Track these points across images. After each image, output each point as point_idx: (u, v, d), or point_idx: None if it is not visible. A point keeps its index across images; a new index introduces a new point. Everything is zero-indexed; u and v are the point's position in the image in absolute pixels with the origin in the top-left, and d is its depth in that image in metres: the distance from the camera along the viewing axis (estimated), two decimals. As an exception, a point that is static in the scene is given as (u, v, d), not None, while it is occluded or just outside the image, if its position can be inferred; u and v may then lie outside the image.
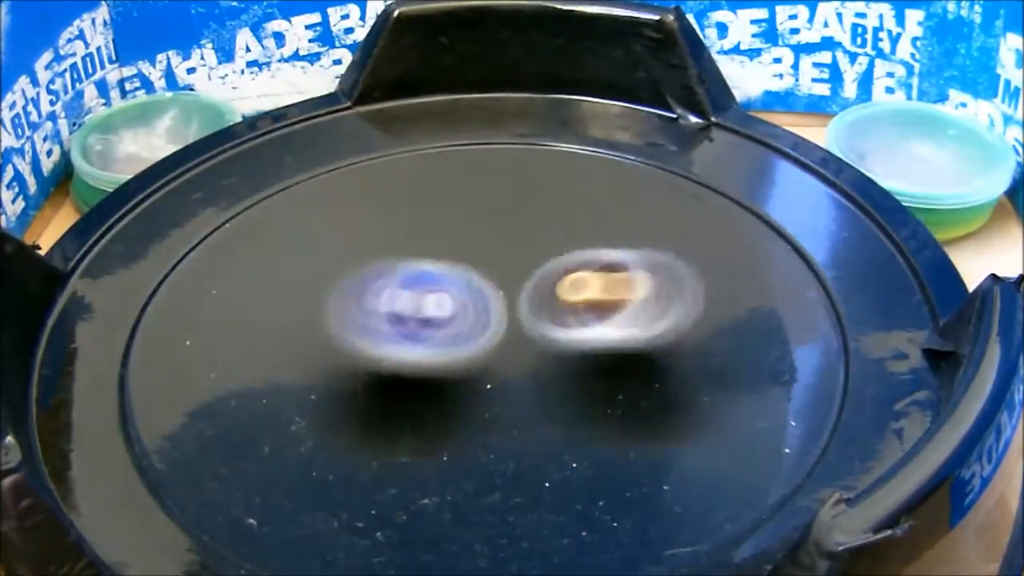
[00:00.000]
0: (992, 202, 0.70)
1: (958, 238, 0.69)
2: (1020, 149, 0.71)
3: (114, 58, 0.80)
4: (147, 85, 0.81)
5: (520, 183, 0.70)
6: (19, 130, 0.71)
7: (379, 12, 0.78)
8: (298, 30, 0.80)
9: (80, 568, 0.44)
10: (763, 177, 0.69)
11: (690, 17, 0.75)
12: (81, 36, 0.77)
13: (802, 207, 0.67)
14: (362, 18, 0.80)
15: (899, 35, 0.77)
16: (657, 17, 0.73)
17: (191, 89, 0.81)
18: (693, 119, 0.73)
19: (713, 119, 0.73)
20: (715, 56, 0.78)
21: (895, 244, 0.62)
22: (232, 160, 0.71)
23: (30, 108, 0.72)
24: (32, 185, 0.72)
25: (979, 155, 0.72)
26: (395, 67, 0.76)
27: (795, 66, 0.81)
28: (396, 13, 0.75)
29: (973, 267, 0.60)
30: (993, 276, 0.53)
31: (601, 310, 0.54)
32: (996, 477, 0.47)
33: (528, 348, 0.57)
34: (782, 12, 0.79)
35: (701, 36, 0.76)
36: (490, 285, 0.56)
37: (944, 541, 0.45)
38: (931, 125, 0.76)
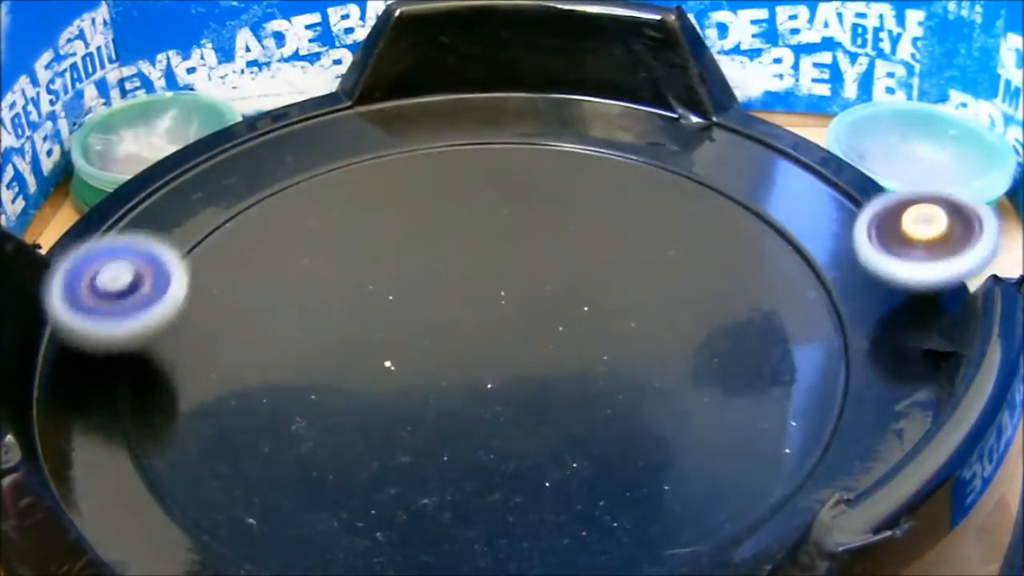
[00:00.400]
0: (992, 202, 0.70)
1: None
2: (1020, 149, 0.71)
3: (114, 58, 0.80)
4: (147, 85, 0.81)
5: (521, 183, 0.70)
6: (19, 130, 0.71)
7: (379, 12, 0.78)
8: (298, 30, 0.80)
9: (80, 567, 0.43)
10: (764, 177, 0.69)
11: (691, 17, 0.75)
12: (81, 36, 0.77)
13: (803, 207, 0.67)
14: (362, 18, 0.80)
15: (899, 35, 0.77)
16: (658, 17, 0.73)
17: (191, 89, 0.81)
18: (694, 119, 0.73)
19: (714, 119, 0.73)
20: (715, 56, 0.78)
21: (896, 244, 0.62)
22: (232, 160, 0.71)
23: (30, 108, 0.72)
24: (32, 185, 0.72)
25: (979, 155, 0.72)
26: (396, 67, 0.76)
27: (795, 66, 0.81)
28: (397, 13, 0.75)
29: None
30: (994, 277, 0.53)
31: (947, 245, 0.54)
32: (997, 477, 0.47)
33: (526, 347, 0.58)
34: (782, 12, 0.79)
35: (702, 36, 0.76)
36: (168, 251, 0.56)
37: (944, 541, 0.45)
38: (932, 125, 0.75)
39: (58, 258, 0.56)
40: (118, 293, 0.54)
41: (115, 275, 0.54)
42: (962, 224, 0.55)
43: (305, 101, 0.77)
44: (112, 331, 0.53)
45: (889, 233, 0.56)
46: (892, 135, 0.75)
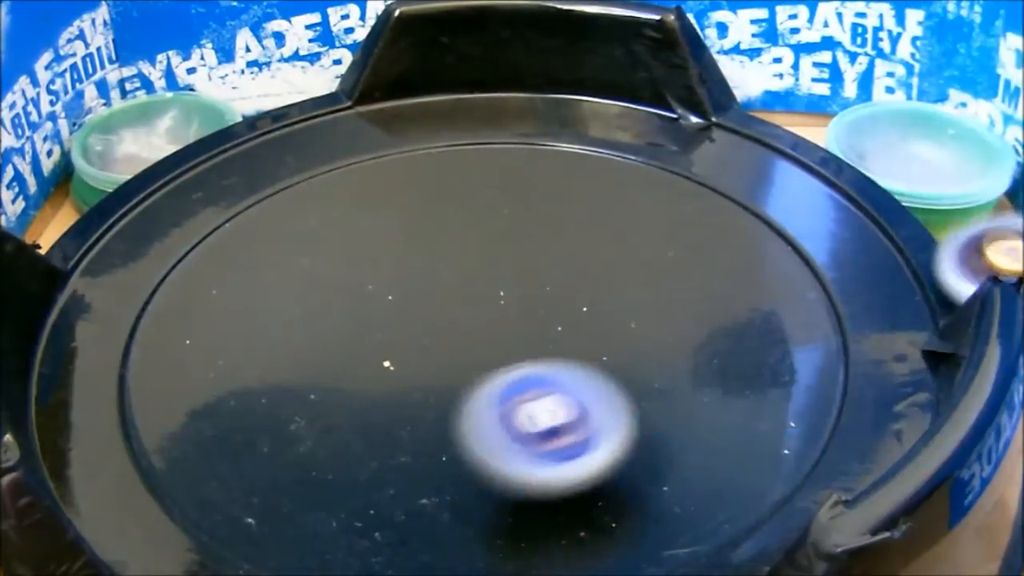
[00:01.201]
0: (992, 202, 0.70)
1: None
2: (1020, 149, 0.71)
3: (114, 58, 0.80)
4: (147, 85, 0.81)
5: (520, 183, 0.70)
6: (19, 130, 0.71)
7: (379, 12, 0.78)
8: (298, 30, 0.80)
9: (78, 567, 0.44)
10: (764, 177, 0.69)
11: (690, 17, 0.75)
12: (81, 36, 0.77)
13: (802, 208, 0.67)
14: (362, 18, 0.80)
15: (899, 35, 0.77)
16: (658, 17, 0.73)
17: (191, 89, 0.81)
18: (694, 119, 0.73)
19: (714, 119, 0.73)
20: (715, 56, 0.78)
21: (895, 245, 0.62)
22: (232, 160, 0.71)
23: (30, 108, 0.72)
24: (32, 185, 0.72)
25: (979, 155, 0.72)
26: (395, 67, 0.76)
27: (795, 66, 0.81)
28: (397, 13, 0.75)
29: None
30: (992, 278, 0.53)
31: None
32: (996, 477, 0.47)
33: (526, 347, 0.57)
34: (782, 12, 0.79)
35: (702, 36, 0.76)
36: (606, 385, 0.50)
37: (944, 541, 0.45)
38: (931, 125, 0.75)
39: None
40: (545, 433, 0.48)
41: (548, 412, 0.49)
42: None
43: (305, 101, 0.77)
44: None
45: (974, 263, 0.57)
46: (892, 135, 0.75)
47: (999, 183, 0.69)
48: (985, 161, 0.71)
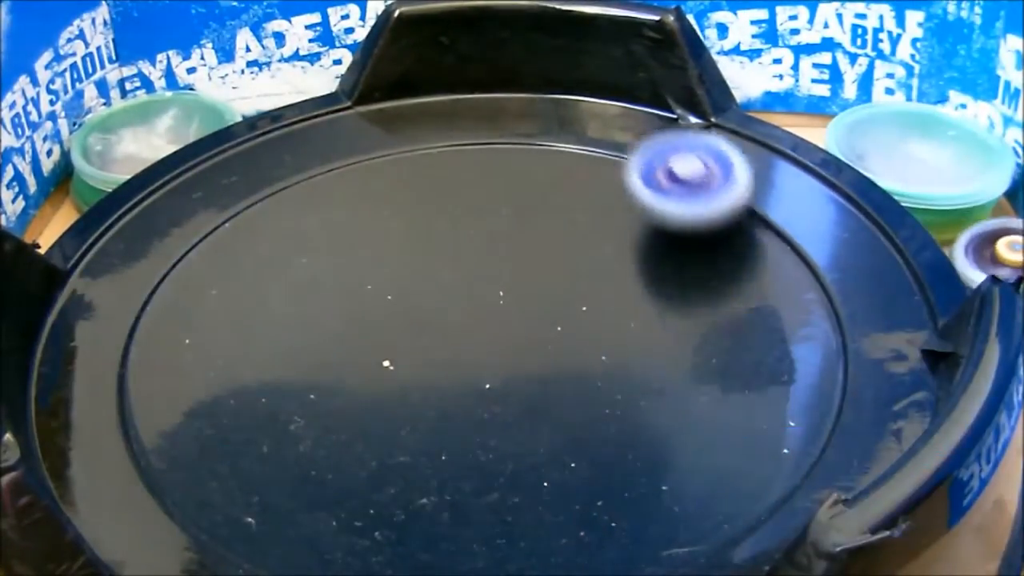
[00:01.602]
0: (991, 203, 0.70)
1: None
2: (1020, 151, 0.71)
3: (114, 58, 0.80)
4: (147, 85, 0.81)
5: (520, 183, 0.70)
6: (19, 130, 0.71)
7: (379, 12, 0.78)
8: (298, 30, 0.80)
9: (78, 566, 0.44)
10: (763, 178, 0.69)
11: (690, 18, 0.75)
12: (81, 36, 0.77)
13: (802, 208, 0.67)
14: (362, 18, 0.80)
15: (899, 36, 0.77)
16: (657, 17, 0.73)
17: (191, 89, 0.81)
18: (693, 120, 0.73)
19: (713, 120, 0.73)
20: (715, 57, 0.78)
21: (895, 245, 0.62)
22: (232, 160, 0.71)
23: (30, 108, 0.72)
24: (32, 185, 0.72)
25: (978, 156, 0.72)
26: (395, 67, 0.76)
27: (795, 67, 0.81)
28: (396, 13, 0.75)
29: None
30: (992, 277, 0.53)
31: None
32: (995, 477, 0.47)
33: (525, 347, 0.58)
34: (782, 13, 0.79)
35: (701, 37, 0.76)
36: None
37: (942, 540, 0.45)
38: (930, 126, 0.76)
39: (637, 148, 0.64)
40: (692, 181, 0.62)
41: (689, 165, 0.62)
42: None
43: (305, 101, 0.77)
44: (688, 212, 0.62)
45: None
46: (891, 136, 0.75)
47: (998, 184, 0.69)
48: (984, 162, 0.71)
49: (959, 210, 0.68)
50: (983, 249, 0.64)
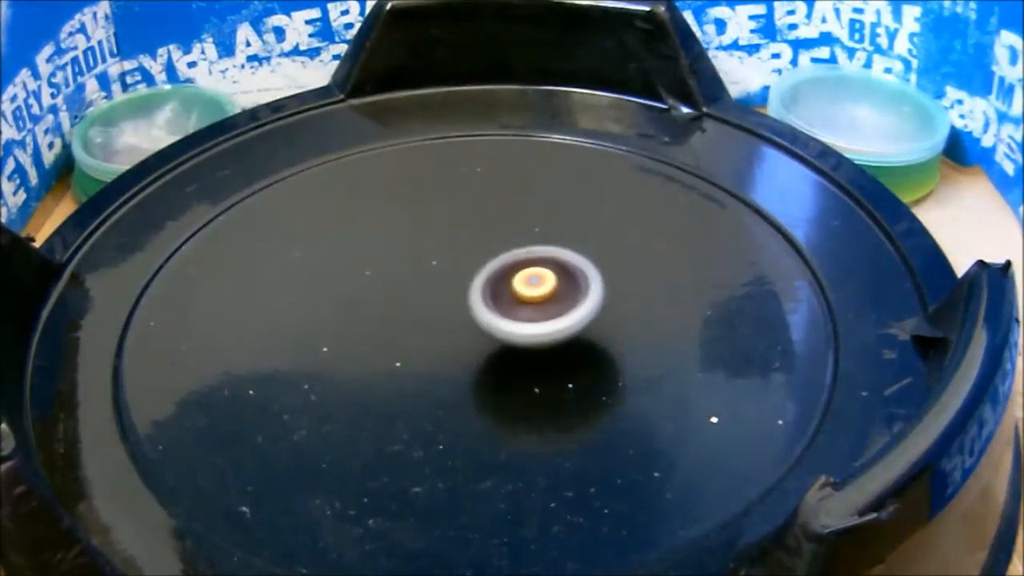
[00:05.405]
0: (929, 161, 0.72)
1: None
2: (1016, 147, 0.71)
3: (115, 52, 0.80)
4: (148, 79, 0.82)
5: (512, 174, 0.70)
6: (20, 122, 0.71)
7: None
8: (298, 25, 0.81)
9: (73, 555, 0.44)
10: (754, 167, 0.69)
11: (687, 13, 0.76)
12: (82, 30, 0.77)
13: (793, 196, 0.67)
14: (362, 13, 0.80)
15: (896, 31, 0.77)
16: (648, 8, 0.73)
17: (192, 83, 0.82)
18: (684, 110, 0.73)
19: (704, 109, 0.73)
20: (714, 52, 0.78)
21: (885, 232, 0.62)
22: (226, 152, 0.71)
23: (31, 101, 0.72)
24: (33, 177, 0.73)
25: (915, 117, 0.75)
26: (388, 59, 0.76)
27: (793, 61, 0.81)
28: (389, 6, 0.75)
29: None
30: (980, 262, 0.53)
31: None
32: (981, 466, 0.47)
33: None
34: (780, 8, 0.79)
35: (695, 28, 0.76)
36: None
37: (930, 529, 0.45)
38: (866, 89, 0.78)
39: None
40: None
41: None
42: (570, 282, 0.56)
43: (298, 94, 0.78)
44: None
45: (502, 294, 0.56)
46: (826, 98, 0.77)
47: (932, 144, 0.72)
48: (919, 122, 0.74)
49: (893, 167, 0.71)
50: (501, 290, 0.57)
